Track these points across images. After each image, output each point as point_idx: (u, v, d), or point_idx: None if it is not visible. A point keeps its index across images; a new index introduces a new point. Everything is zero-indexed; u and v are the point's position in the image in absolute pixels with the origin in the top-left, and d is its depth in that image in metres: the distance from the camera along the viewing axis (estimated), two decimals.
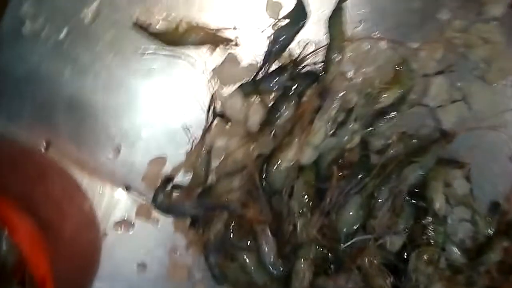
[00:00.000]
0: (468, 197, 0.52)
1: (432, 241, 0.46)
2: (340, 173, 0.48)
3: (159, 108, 0.54)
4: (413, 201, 0.48)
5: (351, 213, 0.46)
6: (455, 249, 0.50)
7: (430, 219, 0.46)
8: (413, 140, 0.50)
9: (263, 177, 0.47)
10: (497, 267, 0.53)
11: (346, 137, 0.47)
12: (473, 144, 0.52)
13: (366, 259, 0.46)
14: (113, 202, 0.53)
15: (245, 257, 0.50)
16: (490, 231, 0.53)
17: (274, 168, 0.47)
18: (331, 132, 0.47)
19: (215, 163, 0.52)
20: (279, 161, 0.47)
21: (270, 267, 0.49)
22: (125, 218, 0.54)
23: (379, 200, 0.47)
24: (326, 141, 0.47)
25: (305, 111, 0.46)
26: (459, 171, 0.52)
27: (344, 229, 0.46)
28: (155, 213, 0.54)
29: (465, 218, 0.52)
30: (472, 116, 0.51)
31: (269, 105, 0.49)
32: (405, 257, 0.47)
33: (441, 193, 0.48)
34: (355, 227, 0.46)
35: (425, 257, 0.46)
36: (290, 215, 0.47)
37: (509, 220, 0.55)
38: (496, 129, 0.51)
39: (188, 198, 0.51)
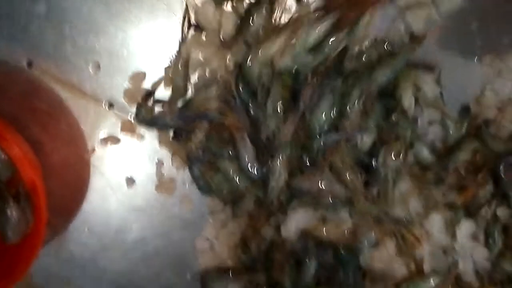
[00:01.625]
0: (438, 100, 0.55)
1: (399, 136, 0.49)
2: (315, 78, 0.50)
3: (135, 23, 0.54)
4: (383, 101, 0.50)
5: (324, 112, 0.49)
6: (425, 149, 0.53)
7: (398, 116, 0.49)
8: (385, 46, 0.51)
9: (240, 73, 0.49)
10: (466, 167, 0.57)
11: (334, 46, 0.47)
12: (443, 47, 0.54)
13: (339, 158, 0.50)
14: (98, 119, 0.56)
15: (226, 165, 0.54)
16: (460, 134, 0.57)
17: (251, 61, 0.48)
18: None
19: (193, 75, 0.53)
20: (258, 54, 0.47)
21: (249, 172, 0.52)
22: (111, 134, 0.56)
23: (351, 100, 0.49)
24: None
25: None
26: (429, 74, 0.54)
27: (317, 128, 0.49)
28: (140, 128, 0.56)
29: (435, 120, 0.55)
30: (442, 19, 0.53)
31: (242, 13, 0.51)
32: (375, 155, 0.51)
33: (410, 92, 0.50)
34: (327, 126, 0.49)
35: (393, 152, 0.49)
36: (266, 118, 0.49)
37: (479, 123, 0.58)
38: (465, 31, 0.52)
39: (169, 111, 0.54)
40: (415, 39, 0.50)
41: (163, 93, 0.55)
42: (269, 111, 0.48)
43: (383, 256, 0.52)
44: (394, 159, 0.48)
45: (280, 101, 0.49)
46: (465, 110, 0.56)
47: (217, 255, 0.61)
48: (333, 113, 0.48)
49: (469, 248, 0.54)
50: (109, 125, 0.56)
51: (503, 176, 0.56)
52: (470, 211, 0.55)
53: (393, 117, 0.49)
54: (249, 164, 0.51)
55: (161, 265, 0.60)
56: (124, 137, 0.56)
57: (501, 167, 0.56)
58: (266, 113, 0.49)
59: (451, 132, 0.55)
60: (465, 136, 0.55)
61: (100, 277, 0.60)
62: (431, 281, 0.54)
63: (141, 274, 0.60)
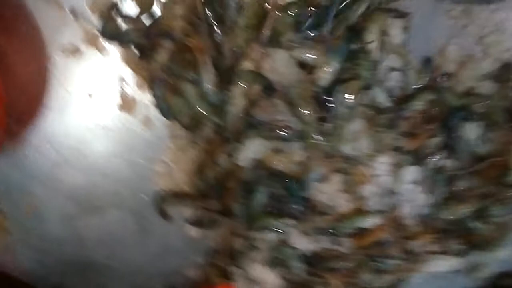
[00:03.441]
0: (403, 47, 0.55)
1: (358, 76, 0.50)
2: None
3: None
4: (349, 40, 0.50)
5: None
6: (382, 93, 0.54)
7: (360, 56, 0.49)
8: None
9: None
10: (420, 116, 0.58)
11: None
12: None
13: (297, 91, 0.51)
14: (60, 27, 0.54)
15: (187, 88, 0.54)
16: (419, 84, 0.58)
17: None
18: None
19: None
20: None
21: (209, 96, 0.53)
22: (74, 44, 0.55)
23: None
24: None
25: None
26: (399, 20, 0.54)
27: None
28: (104, 42, 0.55)
29: (396, 67, 0.56)
30: None
31: None
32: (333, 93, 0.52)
33: (377, 35, 0.51)
34: None
35: (350, 90, 0.50)
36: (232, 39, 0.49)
37: (439, 75, 0.59)
38: None
39: (134, 27, 0.53)
40: None
41: (130, 7, 0.54)
42: (238, 29, 0.48)
43: (329, 191, 0.55)
44: (350, 97, 0.50)
45: (251, 24, 0.49)
46: (427, 61, 0.57)
47: (174, 180, 0.62)
48: None
49: (412, 193, 0.58)
50: (72, 34, 0.55)
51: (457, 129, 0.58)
52: (418, 159, 0.57)
53: (356, 57, 0.50)
54: (209, 88, 0.52)
55: (119, 183, 0.61)
56: (87, 49, 0.56)
57: (456, 121, 0.59)
58: (232, 35, 0.49)
59: (411, 80, 0.56)
60: (424, 86, 0.57)
61: (58, 190, 0.61)
62: (373, 219, 0.58)
63: (99, 191, 0.61)
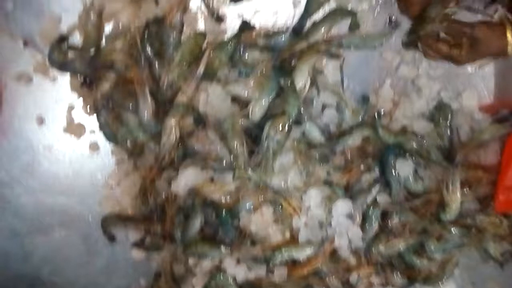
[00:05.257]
0: (338, 86, 0.58)
1: (286, 112, 0.51)
2: None
3: None
4: (278, 77, 0.53)
5: None
6: (315, 129, 0.56)
7: (288, 93, 0.51)
8: None
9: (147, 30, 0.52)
10: (356, 152, 0.60)
11: None
12: None
13: (229, 123, 0.52)
14: (12, 55, 0.58)
15: (128, 117, 0.56)
16: (355, 121, 0.60)
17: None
18: None
19: (108, 26, 0.55)
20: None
21: (147, 125, 0.55)
22: (24, 72, 0.58)
23: None
24: None
25: None
26: (334, 61, 0.57)
27: None
28: (53, 70, 0.58)
29: (330, 104, 0.58)
30: None
31: None
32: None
33: (306, 74, 0.53)
34: None
35: (277, 126, 0.52)
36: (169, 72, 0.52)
37: (374, 113, 0.61)
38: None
39: (80, 57, 0.56)
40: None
41: (78, 39, 0.57)
42: (173, 65, 0.51)
43: (259, 221, 0.56)
44: (277, 132, 0.51)
45: (187, 60, 0.52)
46: (364, 100, 0.60)
47: (119, 202, 0.64)
48: None
49: (345, 226, 0.59)
50: (23, 63, 0.58)
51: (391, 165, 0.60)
52: (351, 193, 0.59)
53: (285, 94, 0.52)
54: (147, 118, 0.54)
55: (66, 204, 0.63)
56: (36, 76, 0.58)
57: (390, 157, 0.60)
58: (170, 67, 0.51)
59: (346, 118, 0.58)
60: (359, 123, 0.59)
61: (6, 208, 0.62)
62: (306, 250, 0.58)
63: (46, 210, 0.63)
